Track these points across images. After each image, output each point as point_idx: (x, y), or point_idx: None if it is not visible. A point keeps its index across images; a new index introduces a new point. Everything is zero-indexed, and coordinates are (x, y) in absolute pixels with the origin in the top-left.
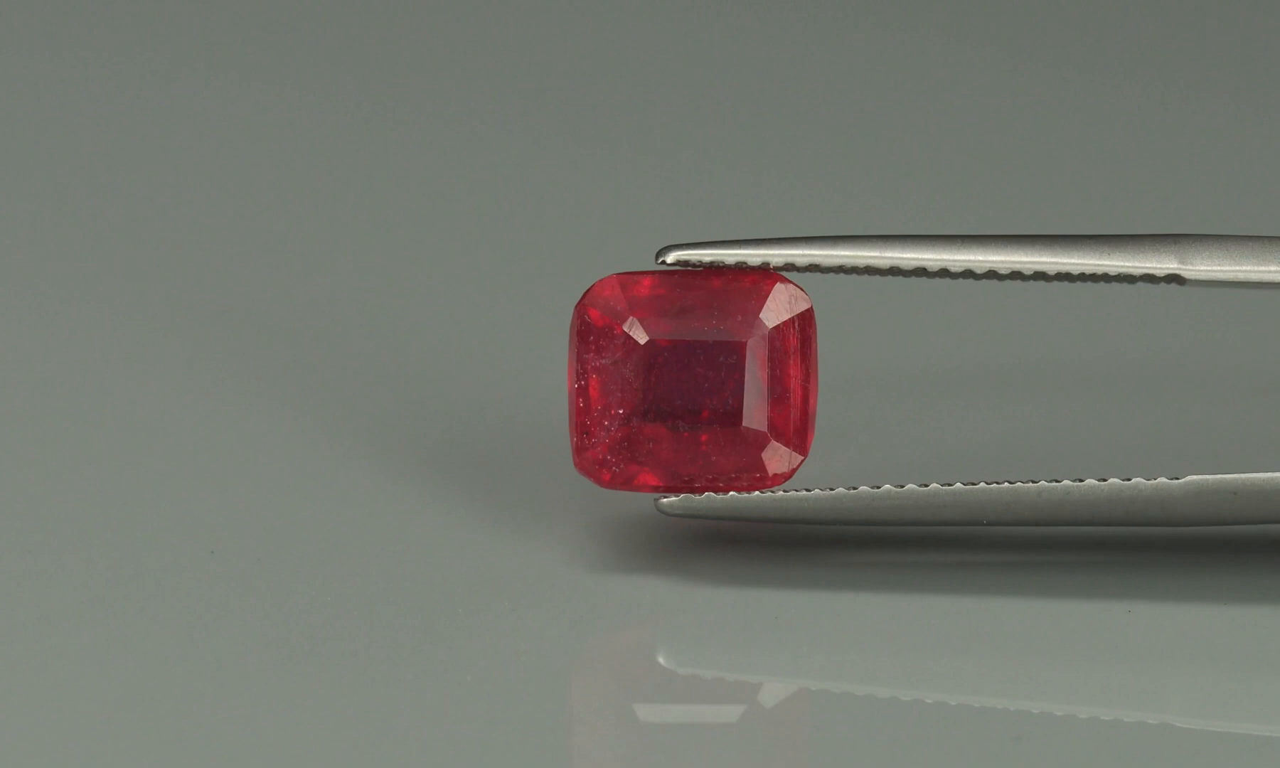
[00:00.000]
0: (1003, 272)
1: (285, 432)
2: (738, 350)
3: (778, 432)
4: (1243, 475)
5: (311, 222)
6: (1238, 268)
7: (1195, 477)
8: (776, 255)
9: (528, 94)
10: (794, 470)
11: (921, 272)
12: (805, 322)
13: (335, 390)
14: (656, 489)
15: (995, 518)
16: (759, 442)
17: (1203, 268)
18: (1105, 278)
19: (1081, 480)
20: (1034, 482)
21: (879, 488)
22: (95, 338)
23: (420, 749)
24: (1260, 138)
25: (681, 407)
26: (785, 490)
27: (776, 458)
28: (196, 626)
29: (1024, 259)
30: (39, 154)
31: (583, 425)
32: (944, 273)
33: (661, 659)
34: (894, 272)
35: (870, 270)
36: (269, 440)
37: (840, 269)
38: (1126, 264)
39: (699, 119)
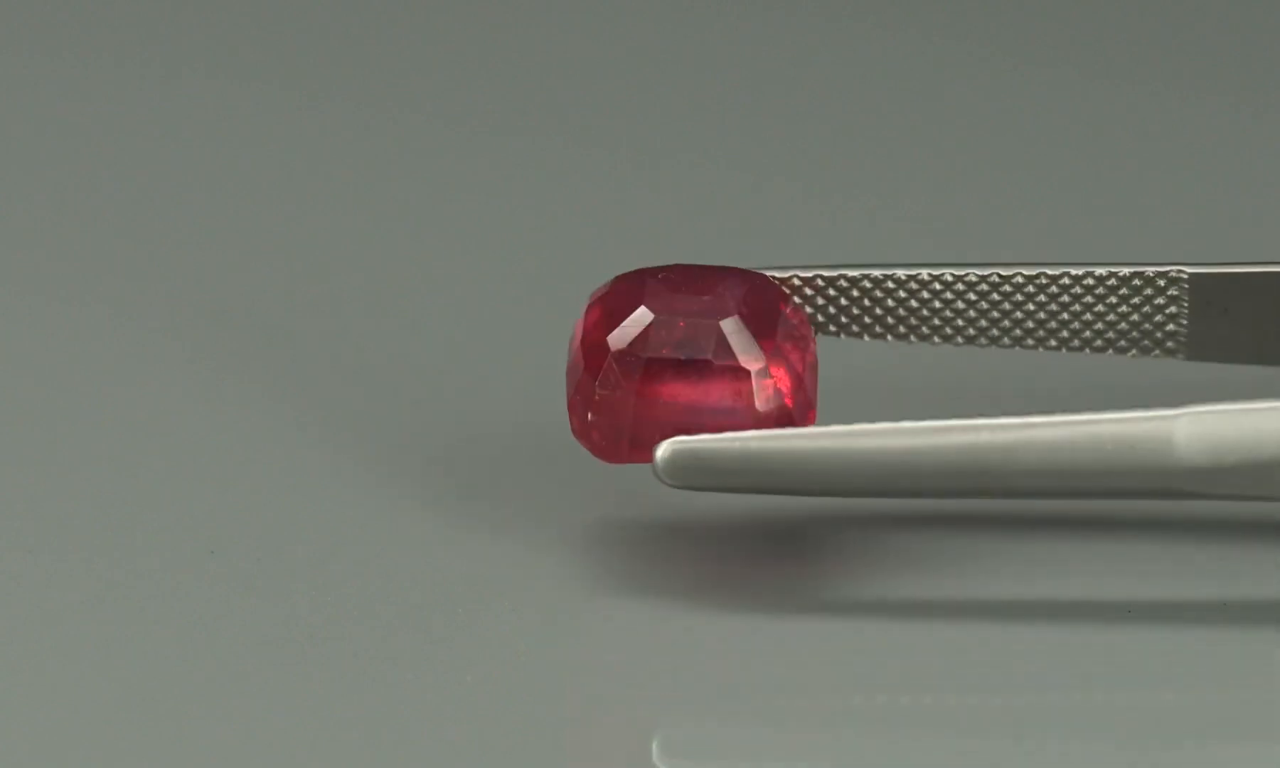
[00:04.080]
0: (1006, 273)
1: (285, 432)
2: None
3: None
4: (1242, 405)
5: (311, 222)
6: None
7: (1194, 406)
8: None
9: (528, 96)
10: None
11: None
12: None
13: (335, 391)
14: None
15: (994, 470)
16: (744, 377)
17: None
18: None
19: (1077, 414)
20: (1033, 417)
21: (877, 425)
22: (95, 338)
23: (420, 749)
24: (1260, 138)
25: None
26: (781, 436)
27: (764, 395)
28: (196, 626)
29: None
30: (39, 154)
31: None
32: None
33: (662, 659)
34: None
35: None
36: (269, 440)
37: (841, 276)
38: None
39: (698, 121)
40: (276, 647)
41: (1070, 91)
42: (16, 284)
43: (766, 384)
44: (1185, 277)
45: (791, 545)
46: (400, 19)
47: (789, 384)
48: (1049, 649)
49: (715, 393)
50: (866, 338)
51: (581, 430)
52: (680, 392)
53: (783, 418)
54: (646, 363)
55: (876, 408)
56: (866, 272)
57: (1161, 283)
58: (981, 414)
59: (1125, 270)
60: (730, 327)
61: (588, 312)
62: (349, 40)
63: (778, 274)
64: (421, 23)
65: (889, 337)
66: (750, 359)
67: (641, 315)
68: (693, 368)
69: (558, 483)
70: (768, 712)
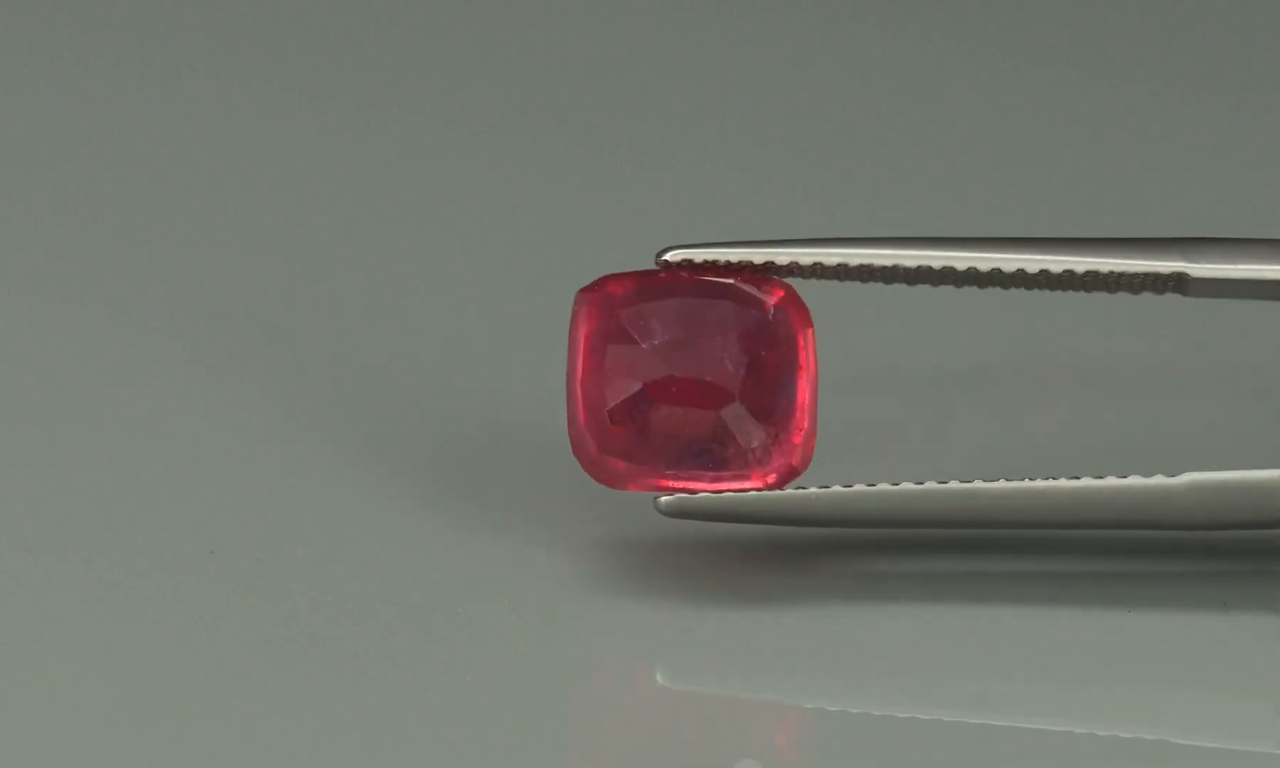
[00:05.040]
0: (1008, 269)
1: (285, 432)
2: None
3: (758, 412)
4: (1243, 472)
5: (311, 222)
6: (1241, 267)
7: (1194, 474)
8: (779, 254)
9: (528, 96)
10: (791, 473)
11: (925, 270)
12: (802, 323)
13: (335, 390)
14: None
15: (994, 520)
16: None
17: (1208, 267)
18: (1110, 279)
19: (1078, 478)
20: (1032, 480)
21: (873, 486)
22: (95, 338)
23: (420, 749)
24: (1260, 138)
25: (675, 388)
26: (782, 490)
27: (764, 461)
28: (196, 626)
29: (1028, 257)
30: (39, 154)
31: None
32: (948, 271)
33: (661, 660)
34: (895, 269)
35: (869, 269)
36: (269, 440)
37: (841, 267)
38: (1131, 263)
39: (697, 121)
40: (276, 647)
41: (1070, 89)
42: (16, 284)
43: (768, 449)
44: (1190, 277)
45: (792, 544)
46: (400, 19)
47: (791, 420)
48: (1048, 644)
49: (714, 463)
50: (865, 283)
51: (580, 455)
52: (679, 459)
53: (783, 469)
54: (645, 436)
55: (878, 393)
56: (869, 258)
57: (1164, 276)
58: (983, 475)
59: (1128, 269)
60: (732, 415)
61: (585, 331)
62: (349, 40)
63: (778, 258)
64: (421, 23)
65: (885, 283)
66: (750, 436)
67: (640, 398)
68: (691, 448)
69: (558, 483)
70: (768, 711)
